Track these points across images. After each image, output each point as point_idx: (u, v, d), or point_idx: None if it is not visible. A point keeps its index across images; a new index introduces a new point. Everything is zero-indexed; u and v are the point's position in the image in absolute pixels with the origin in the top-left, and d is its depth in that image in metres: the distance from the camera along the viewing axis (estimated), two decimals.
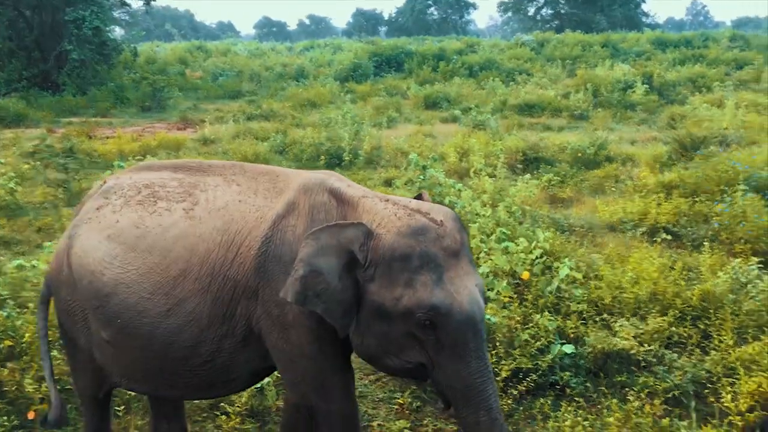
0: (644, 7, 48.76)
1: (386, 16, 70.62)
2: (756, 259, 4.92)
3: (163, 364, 2.71)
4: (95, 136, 12.31)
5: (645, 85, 15.98)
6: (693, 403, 3.54)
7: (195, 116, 15.19)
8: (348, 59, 23.42)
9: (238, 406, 3.65)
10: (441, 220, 2.46)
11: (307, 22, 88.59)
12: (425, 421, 3.67)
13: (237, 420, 3.58)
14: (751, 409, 3.50)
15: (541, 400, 3.71)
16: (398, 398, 3.91)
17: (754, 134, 10.17)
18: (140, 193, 2.79)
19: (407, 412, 3.79)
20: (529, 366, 3.93)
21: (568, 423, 3.31)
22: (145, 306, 2.61)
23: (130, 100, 17.71)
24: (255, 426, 3.68)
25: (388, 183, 8.41)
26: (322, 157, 9.91)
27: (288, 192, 2.66)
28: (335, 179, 2.72)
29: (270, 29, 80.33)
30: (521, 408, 3.71)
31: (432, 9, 63.98)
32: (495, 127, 11.92)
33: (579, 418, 3.38)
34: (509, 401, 3.72)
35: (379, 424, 3.65)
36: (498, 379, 3.85)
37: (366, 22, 71.33)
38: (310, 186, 2.65)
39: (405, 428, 3.58)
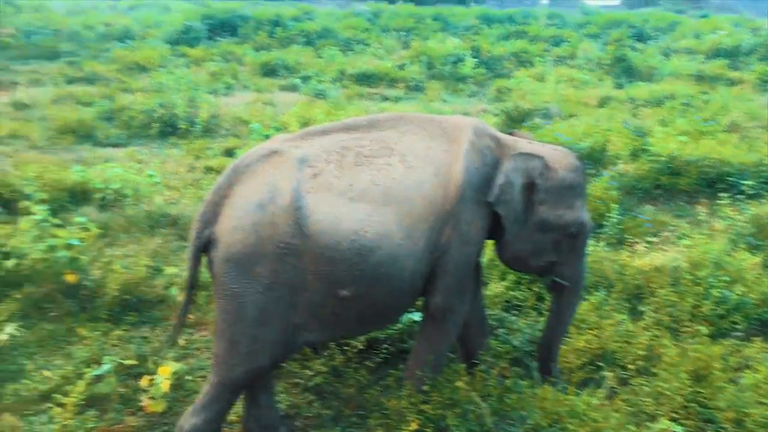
0: None
1: None
2: None
3: (400, 303, 3.18)
4: None
5: (474, 59, 16.64)
6: (533, 363, 3.80)
7: (6, 78, 13.66)
8: (178, 21, 22.07)
9: (74, 396, 3.37)
10: (579, 159, 3.42)
11: None
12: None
13: (74, 410, 3.34)
14: (583, 366, 3.84)
15: (395, 370, 3.80)
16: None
17: (572, 107, 10.97)
18: (347, 157, 3.01)
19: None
20: (382, 336, 4.03)
21: (425, 388, 3.42)
22: (399, 252, 2.96)
23: None
24: (94, 415, 3.45)
25: (229, 153, 8.11)
26: (154, 124, 9.35)
27: (464, 134, 3.22)
28: (485, 125, 3.38)
29: None
30: (377, 378, 3.77)
31: None
32: (336, 96, 11.92)
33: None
34: (365, 373, 3.79)
35: None
36: (354, 351, 3.90)
37: None
38: (480, 131, 3.29)
39: None
